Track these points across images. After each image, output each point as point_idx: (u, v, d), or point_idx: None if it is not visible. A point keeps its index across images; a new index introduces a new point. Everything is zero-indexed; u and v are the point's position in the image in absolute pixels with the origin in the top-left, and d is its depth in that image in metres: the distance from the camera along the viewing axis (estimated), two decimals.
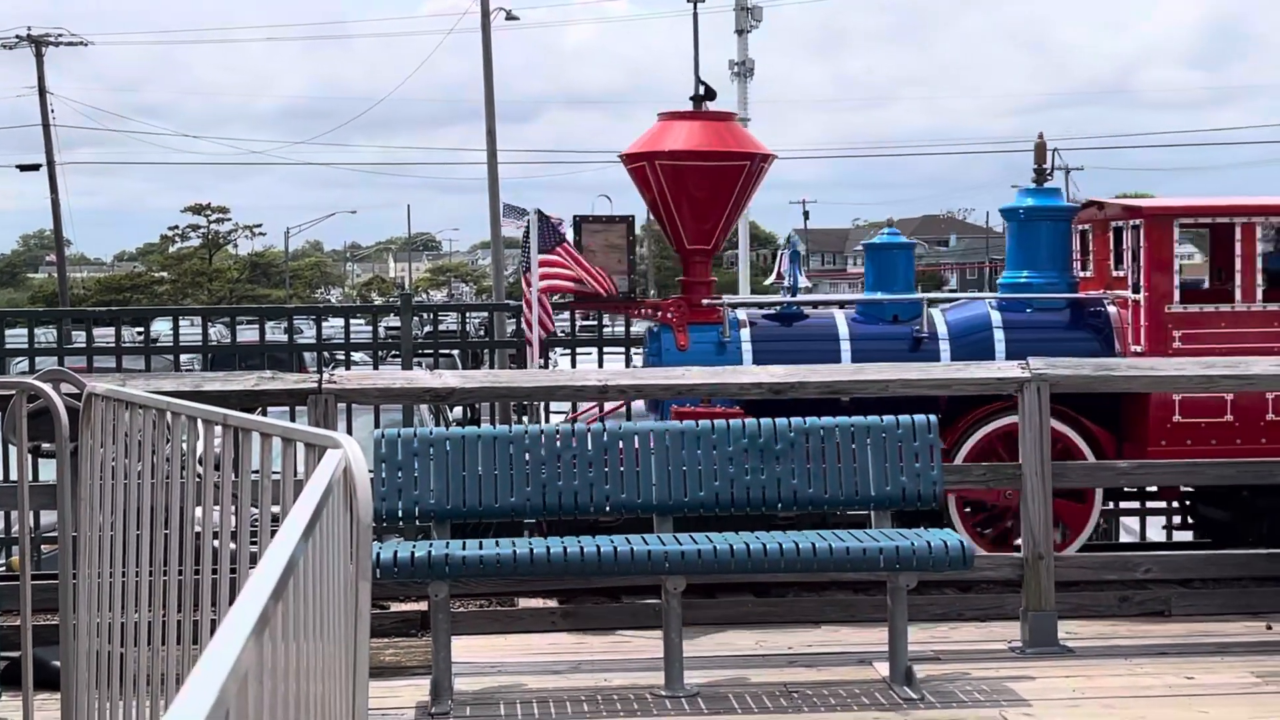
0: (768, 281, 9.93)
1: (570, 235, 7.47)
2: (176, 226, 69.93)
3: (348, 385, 6.16)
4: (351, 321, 9.71)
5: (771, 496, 5.79)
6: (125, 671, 3.94)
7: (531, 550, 5.37)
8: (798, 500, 5.80)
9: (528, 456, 5.74)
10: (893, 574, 5.45)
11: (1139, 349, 7.39)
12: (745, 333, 7.56)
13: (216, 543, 3.72)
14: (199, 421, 3.69)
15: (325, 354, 9.81)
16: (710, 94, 8.10)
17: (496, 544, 5.49)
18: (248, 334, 12.36)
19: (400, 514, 5.71)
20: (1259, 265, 7.34)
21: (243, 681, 1.55)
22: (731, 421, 5.93)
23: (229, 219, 70.59)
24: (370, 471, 3.99)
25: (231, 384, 6.09)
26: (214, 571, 3.70)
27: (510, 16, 37.31)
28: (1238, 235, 7.36)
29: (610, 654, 6.11)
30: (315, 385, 6.07)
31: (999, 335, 7.52)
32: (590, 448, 5.74)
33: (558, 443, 5.76)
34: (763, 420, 5.92)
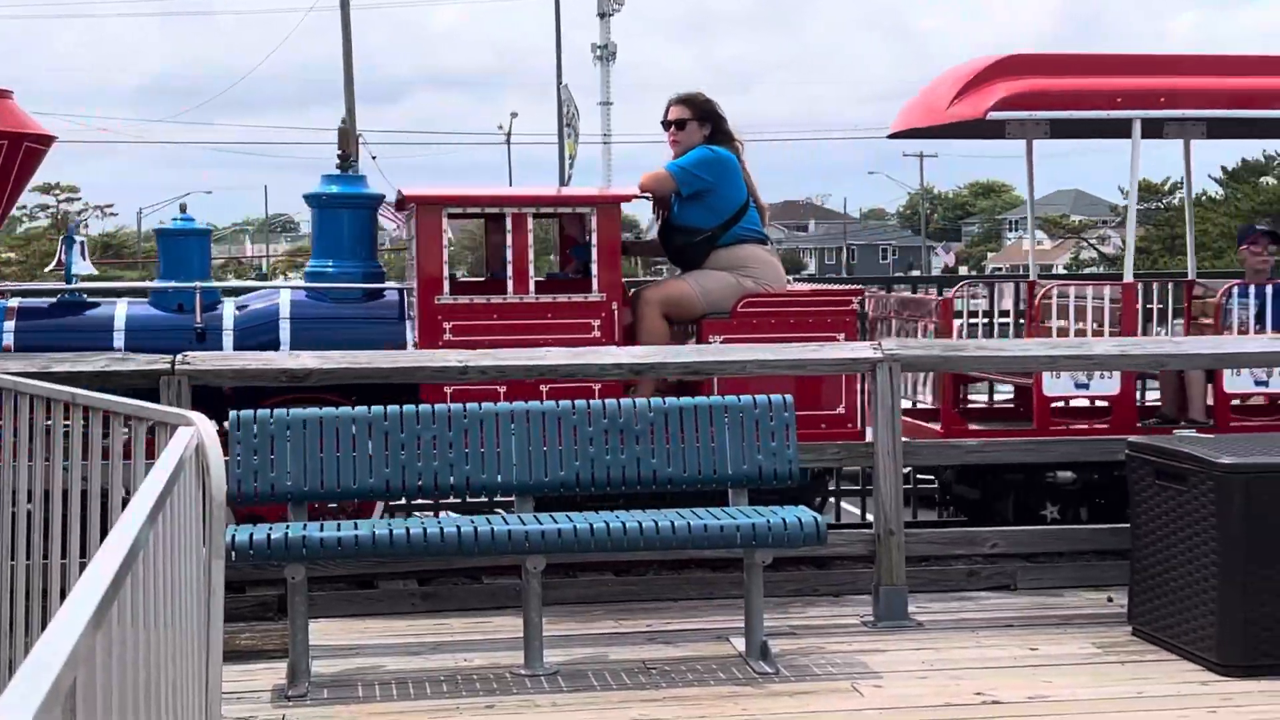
0: (47, 269, 9.67)
1: None
2: (24, 206, 67.82)
3: (201, 366, 6.07)
4: None
5: (631, 476, 5.84)
6: None
7: (391, 531, 5.35)
8: (657, 480, 5.86)
9: (386, 437, 5.72)
10: (749, 551, 5.54)
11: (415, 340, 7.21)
12: (10, 323, 7.18)
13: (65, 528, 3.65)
14: (47, 401, 3.61)
15: None
16: None
17: (355, 525, 5.46)
18: None
19: (256, 496, 5.64)
20: (531, 256, 7.15)
21: (82, 669, 1.53)
22: (592, 401, 5.96)
23: (79, 198, 68.73)
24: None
25: (81, 365, 5.96)
26: (63, 556, 3.64)
27: None
28: (509, 225, 7.12)
29: (470, 634, 6.11)
30: (168, 366, 5.97)
31: (285, 326, 7.26)
32: (450, 428, 5.74)
33: (417, 423, 5.74)
34: (623, 400, 5.97)
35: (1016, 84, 7.74)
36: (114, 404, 3.43)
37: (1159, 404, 8.54)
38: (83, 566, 3.36)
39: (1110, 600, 6.52)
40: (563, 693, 5.28)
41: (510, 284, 7.13)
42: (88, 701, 1.48)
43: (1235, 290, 8.29)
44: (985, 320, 9.74)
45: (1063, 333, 8.11)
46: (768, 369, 6.49)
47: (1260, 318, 8.12)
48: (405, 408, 5.81)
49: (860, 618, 6.31)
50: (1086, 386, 7.66)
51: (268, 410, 5.78)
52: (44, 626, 3.64)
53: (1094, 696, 5.16)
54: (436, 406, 5.87)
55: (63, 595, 3.49)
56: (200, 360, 6.17)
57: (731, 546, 5.57)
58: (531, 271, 7.14)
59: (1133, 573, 5.94)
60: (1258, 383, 7.75)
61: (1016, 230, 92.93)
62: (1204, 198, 48.84)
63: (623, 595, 6.68)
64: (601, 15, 35.35)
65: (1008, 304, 9.76)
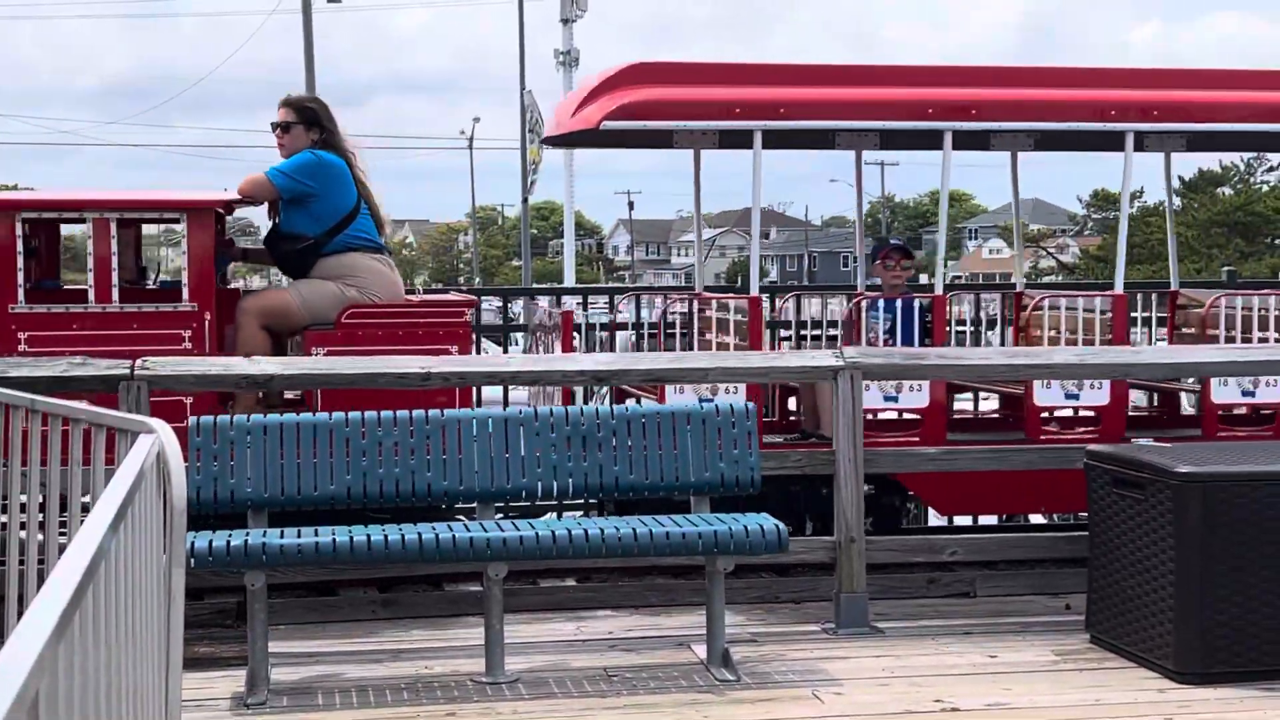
0: None
1: None
2: None
3: (162, 371, 6.03)
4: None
5: (594, 483, 5.84)
6: None
7: (351, 538, 5.33)
8: (619, 487, 5.86)
9: (348, 444, 5.69)
10: (711, 558, 5.55)
11: None
12: None
13: (24, 533, 3.62)
14: (5, 407, 3.59)
15: None
16: None
17: (315, 532, 5.43)
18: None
19: (215, 502, 5.61)
20: (115, 264, 6.87)
21: (45, 679, 1.52)
22: (555, 409, 5.96)
23: None
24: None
25: (39, 370, 5.91)
26: (21, 563, 3.61)
27: None
28: (90, 231, 6.86)
29: (431, 642, 6.10)
30: (128, 371, 5.92)
31: None
32: (412, 435, 5.72)
33: (379, 430, 5.72)
34: (585, 407, 5.97)
35: (635, 94, 7.61)
36: (74, 410, 3.41)
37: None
38: (41, 573, 3.33)
39: (1068, 608, 6.57)
40: (524, 700, 5.27)
41: (91, 293, 6.83)
42: (50, 712, 1.47)
43: (866, 304, 8.48)
44: (973, 329, 9.84)
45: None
46: (731, 377, 6.51)
47: (892, 330, 8.27)
48: (367, 414, 5.80)
49: (821, 625, 6.33)
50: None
51: (228, 417, 5.74)
52: (2, 634, 3.60)
53: (1053, 704, 5.20)
54: (399, 413, 5.85)
55: (20, 601, 3.46)
56: (160, 365, 6.13)
57: (693, 554, 5.58)
58: (115, 279, 6.83)
59: (1091, 580, 5.99)
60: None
61: (976, 239, 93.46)
62: (1160, 208, 49.27)
63: (584, 602, 6.68)
64: (564, 21, 35.38)
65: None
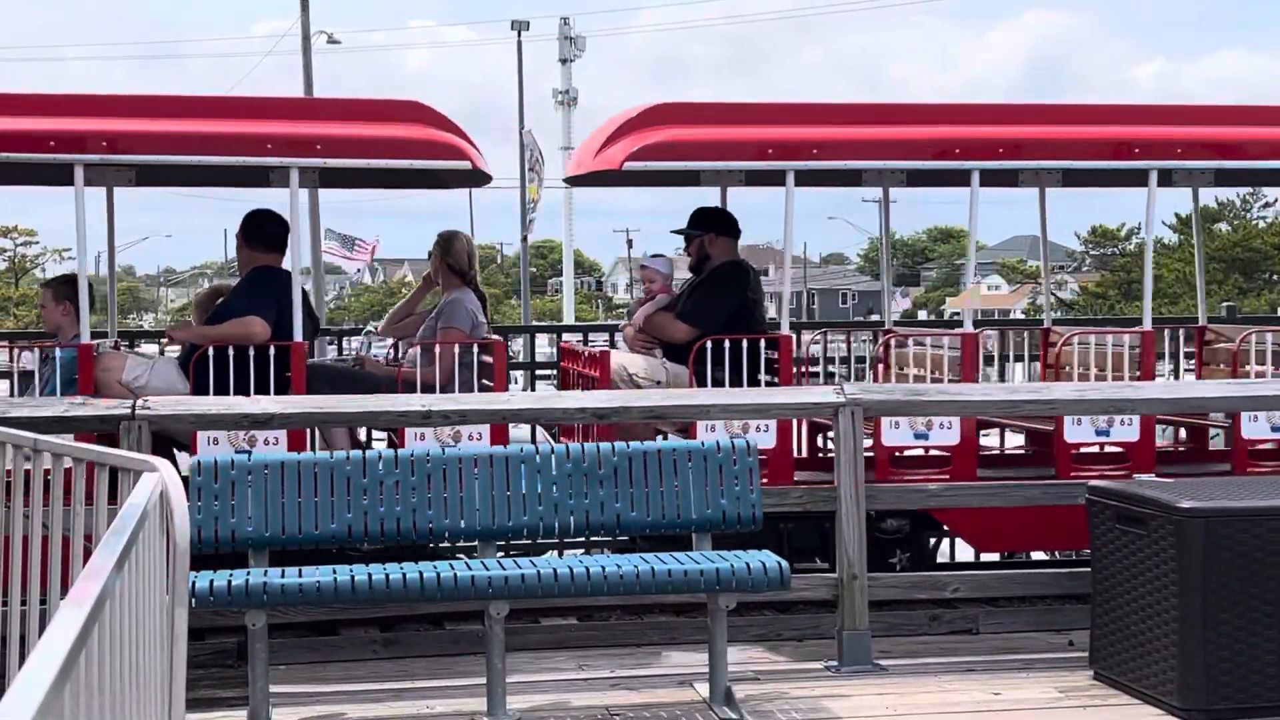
0: None
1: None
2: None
3: (162, 411, 6.03)
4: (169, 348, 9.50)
5: (596, 521, 5.83)
6: None
7: (353, 578, 5.31)
8: (621, 524, 5.85)
9: (349, 483, 5.69)
10: (713, 595, 5.54)
11: None
12: None
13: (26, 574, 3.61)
14: (8, 446, 3.58)
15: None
16: None
17: (317, 571, 5.42)
18: None
19: (217, 542, 5.60)
20: None
21: None
22: (556, 446, 5.96)
23: (36, 242, 68.24)
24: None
25: (40, 410, 5.91)
26: (23, 603, 3.60)
27: (332, 40, 36.95)
28: None
29: (433, 681, 6.07)
30: (128, 411, 5.93)
31: None
32: (414, 473, 5.72)
33: (380, 468, 5.71)
34: (586, 445, 5.97)
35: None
36: (77, 450, 3.41)
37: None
38: (43, 613, 3.32)
39: (1071, 644, 6.55)
40: None
41: None
42: None
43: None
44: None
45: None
46: (731, 414, 6.51)
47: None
48: (369, 453, 5.79)
49: (824, 662, 6.31)
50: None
51: (228, 456, 5.74)
52: (3, 675, 3.59)
53: None
54: (400, 451, 5.85)
55: (22, 642, 3.45)
56: (161, 405, 6.14)
57: (695, 591, 5.56)
58: None
59: (1094, 616, 5.97)
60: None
61: (975, 275, 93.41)
62: (1158, 244, 49.42)
63: (586, 640, 6.66)
64: (563, 61, 35.50)
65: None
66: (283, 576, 5.30)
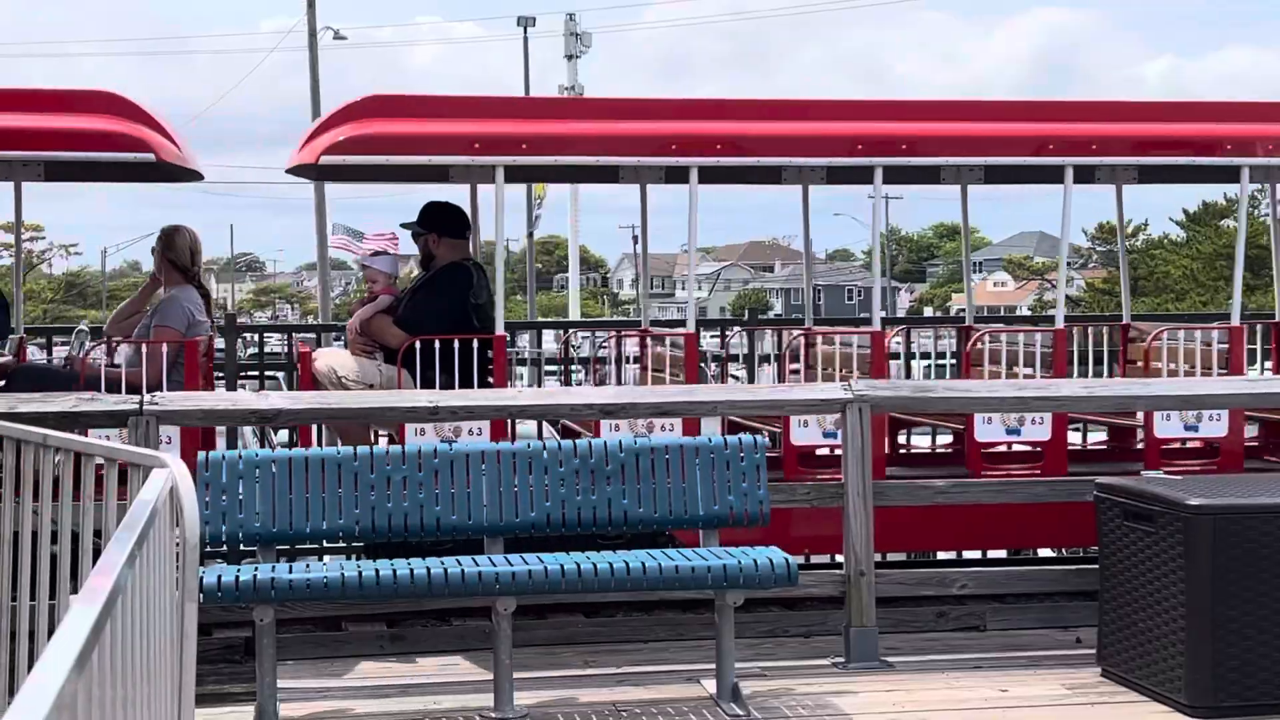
0: None
1: None
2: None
3: (170, 406, 6.04)
4: None
5: (603, 517, 5.83)
6: None
7: (360, 573, 5.32)
8: (628, 520, 5.85)
9: (356, 479, 5.69)
10: (720, 592, 5.54)
11: None
12: None
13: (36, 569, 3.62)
14: (18, 443, 3.59)
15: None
16: None
17: (324, 567, 5.42)
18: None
19: (224, 538, 5.61)
20: None
21: (65, 715, 1.52)
22: (563, 442, 5.96)
23: (42, 237, 68.31)
24: None
25: (49, 405, 5.92)
26: (32, 600, 3.60)
27: (338, 36, 36.97)
28: None
29: (440, 676, 6.08)
30: (136, 407, 5.93)
31: None
32: (420, 469, 5.72)
33: (387, 465, 5.71)
34: (593, 440, 5.97)
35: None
36: (86, 445, 3.41)
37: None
38: (53, 609, 3.33)
39: (1079, 641, 6.54)
40: None
41: None
42: None
43: None
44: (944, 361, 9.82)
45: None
46: (738, 410, 6.51)
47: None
48: (376, 449, 5.80)
49: (831, 659, 6.31)
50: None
51: (236, 451, 5.74)
52: (12, 670, 3.59)
53: None
54: (407, 447, 5.85)
55: (32, 638, 3.45)
56: (169, 400, 6.14)
57: (702, 588, 5.56)
58: None
59: (1101, 613, 5.97)
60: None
61: (981, 272, 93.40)
62: (1166, 240, 49.35)
63: (593, 636, 6.67)
64: (569, 57, 35.51)
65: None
66: (290, 572, 5.31)
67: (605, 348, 9.32)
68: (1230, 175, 8.29)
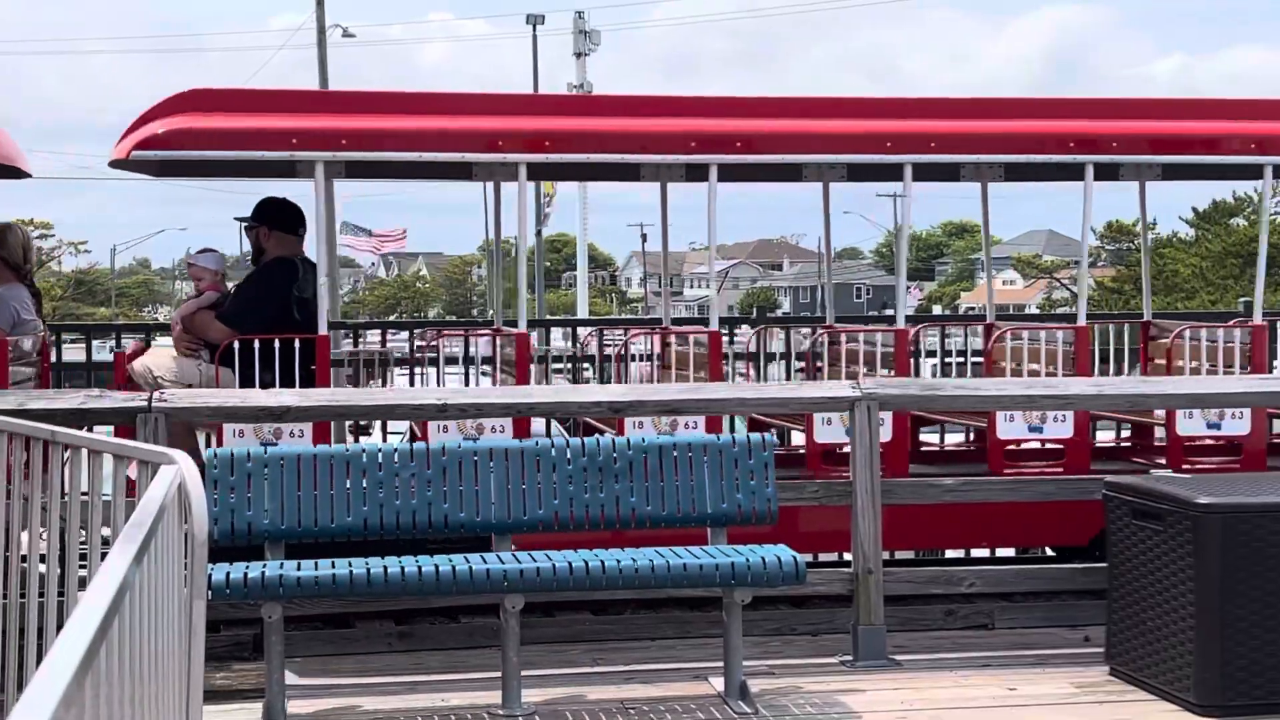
0: None
1: None
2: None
3: (179, 404, 6.04)
4: None
5: (610, 515, 5.82)
6: None
7: (368, 570, 5.32)
8: (636, 518, 5.84)
9: (364, 475, 5.69)
10: (728, 590, 5.53)
11: None
12: None
13: (44, 567, 3.62)
14: (25, 439, 3.59)
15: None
16: None
17: (332, 564, 5.43)
18: (72, 353, 12.03)
19: (233, 535, 5.61)
20: None
21: (72, 712, 1.52)
22: (571, 439, 5.96)
23: (52, 235, 68.49)
24: None
25: (57, 402, 5.93)
26: (40, 596, 3.61)
27: (347, 34, 37.00)
28: None
29: (447, 674, 6.08)
30: (145, 404, 5.94)
31: None
32: (429, 466, 5.72)
33: (395, 462, 5.72)
34: (601, 438, 5.97)
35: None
36: (95, 442, 3.41)
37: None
38: (60, 605, 3.33)
39: (1087, 640, 6.53)
40: None
41: None
42: None
43: None
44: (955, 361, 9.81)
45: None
46: (747, 407, 6.50)
47: None
48: (385, 446, 5.80)
49: (839, 657, 6.30)
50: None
51: (245, 449, 5.75)
52: (20, 665, 3.60)
53: None
54: (415, 445, 5.85)
55: (40, 634, 3.45)
56: (178, 398, 6.15)
57: (710, 586, 5.56)
58: None
59: (1110, 612, 5.95)
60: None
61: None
62: (1175, 238, 49.19)
63: (600, 634, 6.66)
64: (578, 55, 35.52)
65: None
66: (299, 569, 5.31)
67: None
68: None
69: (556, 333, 13.53)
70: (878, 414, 6.40)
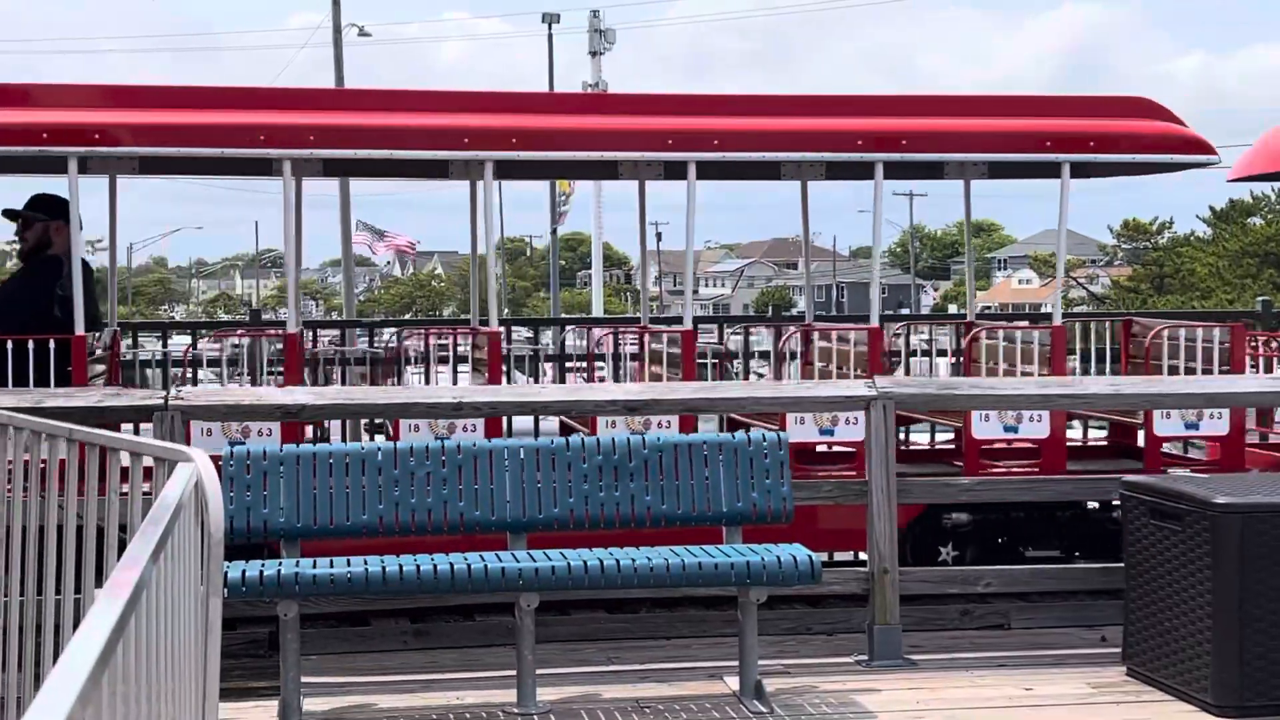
0: None
1: None
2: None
3: (195, 402, 6.06)
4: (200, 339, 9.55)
5: (625, 513, 5.82)
6: None
7: (384, 569, 5.33)
8: (651, 517, 5.84)
9: (380, 474, 5.70)
10: (743, 589, 5.53)
11: None
12: None
13: (61, 564, 3.63)
14: (42, 436, 3.60)
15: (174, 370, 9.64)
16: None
17: (348, 562, 5.43)
18: None
19: (249, 532, 5.62)
20: None
21: (89, 709, 1.52)
22: (586, 438, 5.96)
23: None
24: None
25: (74, 400, 5.94)
26: (58, 592, 3.62)
27: (363, 33, 37.08)
28: None
29: (463, 672, 6.08)
30: (161, 401, 5.95)
31: None
32: (444, 465, 5.72)
33: (411, 460, 5.72)
34: (616, 437, 5.96)
35: None
36: (112, 439, 3.42)
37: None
38: (78, 603, 3.34)
39: (1104, 640, 6.51)
40: None
41: None
42: None
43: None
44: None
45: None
46: (763, 406, 6.50)
47: None
48: (399, 445, 5.80)
49: (854, 656, 6.29)
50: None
51: (261, 447, 5.76)
52: (38, 663, 3.61)
53: None
54: (430, 443, 5.86)
55: (57, 632, 3.46)
56: (194, 396, 6.16)
57: (726, 585, 5.55)
58: None
59: (1127, 612, 5.93)
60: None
61: (1006, 269, 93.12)
62: (1192, 237, 49.05)
63: (616, 633, 6.66)
64: (593, 54, 35.53)
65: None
66: (314, 567, 5.32)
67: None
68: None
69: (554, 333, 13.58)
70: (893, 413, 6.39)
